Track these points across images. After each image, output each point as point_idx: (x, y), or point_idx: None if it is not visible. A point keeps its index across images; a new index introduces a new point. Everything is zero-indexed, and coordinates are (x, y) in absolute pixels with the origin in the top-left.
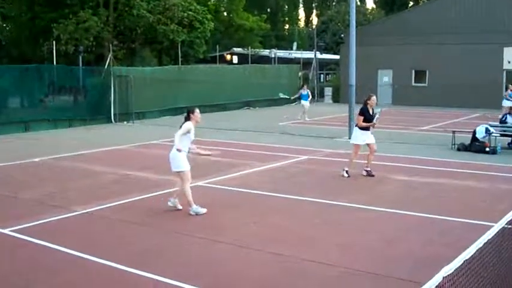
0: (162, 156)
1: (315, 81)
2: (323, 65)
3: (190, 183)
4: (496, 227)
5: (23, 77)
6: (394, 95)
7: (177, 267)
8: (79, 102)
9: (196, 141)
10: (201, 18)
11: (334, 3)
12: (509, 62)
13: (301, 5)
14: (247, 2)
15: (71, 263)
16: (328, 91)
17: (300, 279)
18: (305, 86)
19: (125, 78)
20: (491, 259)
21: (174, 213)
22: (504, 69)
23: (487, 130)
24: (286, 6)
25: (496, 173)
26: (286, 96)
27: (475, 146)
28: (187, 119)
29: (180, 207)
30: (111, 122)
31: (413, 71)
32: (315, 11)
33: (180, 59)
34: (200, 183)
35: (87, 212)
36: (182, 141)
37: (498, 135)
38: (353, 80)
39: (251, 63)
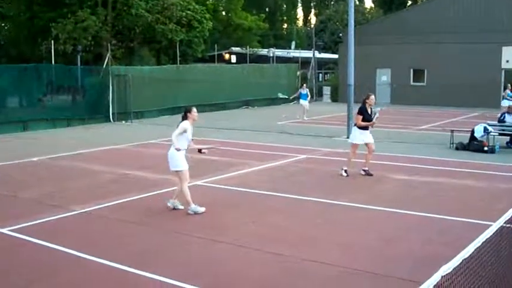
0: (160, 156)
1: (314, 80)
2: (321, 64)
3: (189, 183)
4: (495, 226)
5: (22, 77)
6: (393, 94)
7: (177, 267)
8: (77, 102)
9: (195, 141)
10: (199, 18)
11: (332, 3)
12: (507, 62)
13: (299, 4)
14: (246, 1)
15: (70, 263)
16: (326, 90)
17: (299, 279)
18: (304, 85)
19: (123, 78)
20: (490, 258)
21: (173, 212)
22: (503, 69)
23: (485, 129)
24: (285, 6)
25: (494, 172)
26: (285, 96)
27: (474, 145)
28: (185, 118)
29: (181, 207)
30: (110, 121)
31: (411, 70)
32: (313, 10)
33: (178, 59)
34: (199, 182)
35: (85, 211)
36: (180, 141)
37: (496, 134)
38: (351, 79)
39: (249, 62)
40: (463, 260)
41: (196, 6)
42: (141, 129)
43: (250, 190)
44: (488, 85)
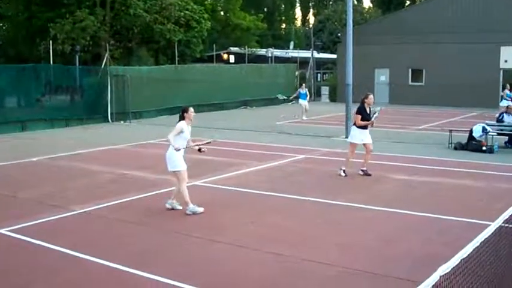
0: (159, 156)
1: (312, 80)
2: (320, 64)
3: (187, 183)
4: (493, 226)
5: (20, 77)
6: (391, 94)
7: (176, 267)
8: (76, 102)
9: (193, 141)
10: (197, 18)
11: (331, 3)
12: (506, 61)
13: (297, 4)
14: (244, 1)
15: (70, 263)
16: (325, 90)
17: (299, 278)
18: (303, 85)
19: (121, 78)
20: (489, 258)
21: (172, 212)
22: (501, 69)
23: (483, 129)
24: (283, 6)
25: (493, 172)
26: (285, 97)
27: (472, 145)
28: (182, 118)
29: (180, 207)
30: (108, 121)
31: (410, 70)
32: (311, 10)
33: (176, 59)
34: (197, 182)
35: (85, 211)
36: (177, 141)
37: (495, 134)
38: (350, 79)
39: (248, 62)
40: (461, 260)
41: (195, 6)
42: (140, 130)
43: (249, 190)
44: (487, 85)
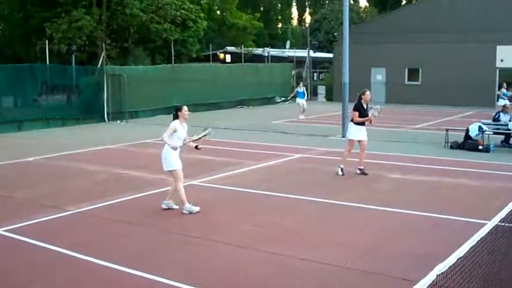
0: (155, 156)
1: (309, 79)
2: (316, 63)
3: (184, 182)
4: (490, 225)
5: (16, 77)
6: (388, 93)
7: (174, 267)
8: (72, 102)
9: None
10: (194, 17)
11: (327, 2)
12: (502, 61)
13: (294, 4)
14: (240, 0)
15: (66, 263)
16: (321, 89)
17: (297, 278)
18: (301, 83)
19: (118, 77)
20: (485, 256)
21: (168, 212)
22: (497, 68)
23: (480, 128)
24: (279, 5)
25: (489, 171)
26: (283, 98)
27: (468, 144)
28: (176, 117)
29: (176, 206)
30: (105, 121)
31: (406, 69)
32: (308, 10)
33: (173, 58)
34: (194, 182)
35: (81, 211)
36: (172, 141)
37: (491, 133)
38: (346, 78)
39: (244, 62)
40: (458, 259)
41: (191, 6)
42: (136, 129)
43: (246, 190)
44: (483, 84)
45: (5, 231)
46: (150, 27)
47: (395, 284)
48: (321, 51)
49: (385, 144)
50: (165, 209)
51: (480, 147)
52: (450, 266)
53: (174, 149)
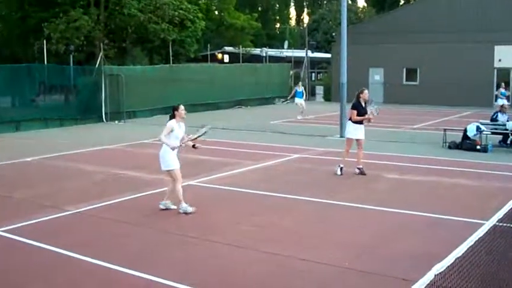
0: (153, 156)
1: (307, 79)
2: (314, 63)
3: (182, 183)
4: (488, 225)
5: (14, 77)
6: (386, 94)
7: (172, 267)
8: (70, 102)
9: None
10: (192, 17)
11: (325, 2)
12: (500, 61)
13: (292, 4)
14: (238, 0)
15: (65, 263)
16: (319, 90)
17: (296, 278)
18: (300, 83)
19: (116, 77)
20: (483, 256)
21: (166, 212)
22: (495, 68)
23: (478, 128)
24: (277, 5)
25: (487, 171)
26: (282, 100)
27: (466, 144)
28: (173, 116)
29: (174, 206)
30: (102, 121)
31: (404, 70)
32: (306, 10)
33: (171, 58)
34: (192, 182)
35: (79, 211)
36: (170, 140)
37: (489, 133)
38: (344, 79)
39: (242, 62)
40: (456, 259)
41: (189, 6)
42: (134, 129)
43: (244, 190)
44: (481, 84)
45: (4, 231)
46: (148, 27)
47: (394, 284)
48: (319, 52)
49: (383, 144)
50: (163, 209)
51: (478, 147)
52: (448, 266)
53: (174, 149)
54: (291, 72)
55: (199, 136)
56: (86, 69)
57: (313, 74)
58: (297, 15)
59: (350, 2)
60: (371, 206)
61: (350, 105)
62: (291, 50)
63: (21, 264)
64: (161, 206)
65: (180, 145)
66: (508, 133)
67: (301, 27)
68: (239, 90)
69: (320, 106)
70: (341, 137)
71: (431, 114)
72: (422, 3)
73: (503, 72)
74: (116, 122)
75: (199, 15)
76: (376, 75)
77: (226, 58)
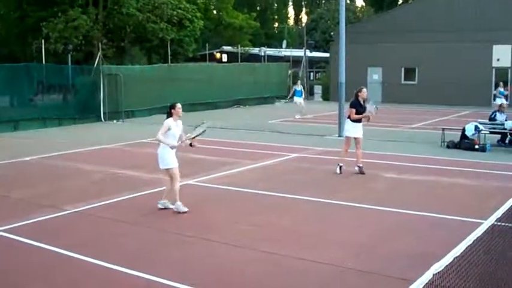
0: (152, 155)
1: (305, 79)
2: (313, 63)
3: (180, 182)
4: (486, 224)
5: (12, 76)
6: (384, 93)
7: (171, 267)
8: (68, 101)
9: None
10: (190, 17)
11: (323, 1)
12: (498, 60)
13: (290, 3)
14: (237, 0)
15: (64, 263)
16: (318, 89)
17: (294, 277)
18: (299, 82)
19: (114, 77)
20: (481, 256)
21: (165, 212)
22: (493, 67)
23: (476, 128)
24: (276, 4)
25: (485, 170)
26: (282, 101)
27: (465, 144)
28: (169, 115)
29: (172, 206)
30: (101, 120)
31: (403, 69)
32: (304, 9)
33: (169, 58)
34: (191, 181)
35: (78, 211)
36: (168, 139)
37: (487, 132)
38: (343, 78)
39: (241, 61)
40: (454, 258)
41: (187, 5)
42: (133, 129)
43: (242, 189)
44: (480, 84)
45: (2, 231)
46: (147, 27)
47: (392, 283)
48: (317, 51)
49: (381, 144)
50: (162, 209)
51: (476, 146)
52: (446, 266)
53: (173, 148)
54: (290, 71)
55: (197, 135)
56: (84, 68)
57: (312, 74)
58: (295, 14)
59: (348, 1)
60: (369, 206)
61: (348, 104)
62: (289, 50)
63: (21, 264)
64: (159, 206)
65: (180, 144)
66: (506, 132)
67: (300, 27)
68: (237, 89)
69: (318, 105)
70: (339, 136)
71: (429, 113)
72: (420, 3)
73: (501, 72)
74: (115, 121)
75: (198, 14)
76: (375, 75)
77: (225, 57)
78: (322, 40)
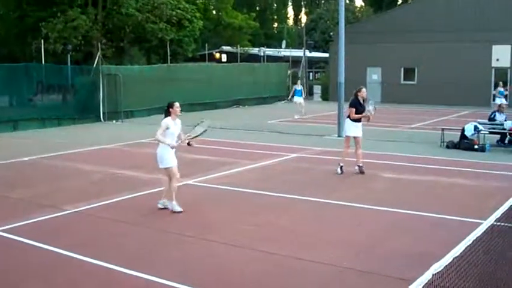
0: (151, 155)
1: (304, 79)
2: (312, 63)
3: (180, 182)
4: (485, 224)
5: (12, 76)
6: (383, 93)
7: (170, 267)
8: (68, 101)
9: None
10: (189, 17)
11: (323, 1)
12: (497, 60)
13: (290, 3)
14: (236, 0)
15: (63, 263)
16: (317, 89)
17: (292, 277)
18: (299, 82)
19: (113, 77)
20: (480, 256)
21: (164, 212)
22: (493, 67)
23: (475, 128)
24: (275, 5)
25: (484, 171)
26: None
27: (464, 144)
28: (167, 114)
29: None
30: (100, 120)
31: (402, 69)
32: (303, 9)
33: (169, 58)
34: (190, 181)
35: (77, 211)
36: (167, 138)
37: (487, 132)
38: (342, 78)
39: (240, 61)
40: (453, 258)
41: (187, 5)
42: (132, 129)
43: (241, 189)
44: (479, 84)
45: (2, 231)
46: (146, 27)
47: (391, 283)
48: (316, 51)
49: (381, 144)
50: (161, 209)
51: (476, 146)
52: (446, 266)
53: (173, 148)
54: (289, 71)
55: (199, 135)
56: (83, 68)
57: (311, 74)
58: (294, 14)
59: (348, 1)
60: (368, 206)
61: (348, 104)
62: (288, 50)
63: (21, 264)
64: (159, 205)
65: (179, 144)
66: (505, 133)
67: (299, 27)
68: (237, 89)
69: (318, 105)
70: (339, 136)
71: (429, 113)
72: (420, 3)
73: (500, 72)
74: (114, 121)
75: (197, 14)
76: (374, 75)
77: (224, 58)
78: (321, 40)
